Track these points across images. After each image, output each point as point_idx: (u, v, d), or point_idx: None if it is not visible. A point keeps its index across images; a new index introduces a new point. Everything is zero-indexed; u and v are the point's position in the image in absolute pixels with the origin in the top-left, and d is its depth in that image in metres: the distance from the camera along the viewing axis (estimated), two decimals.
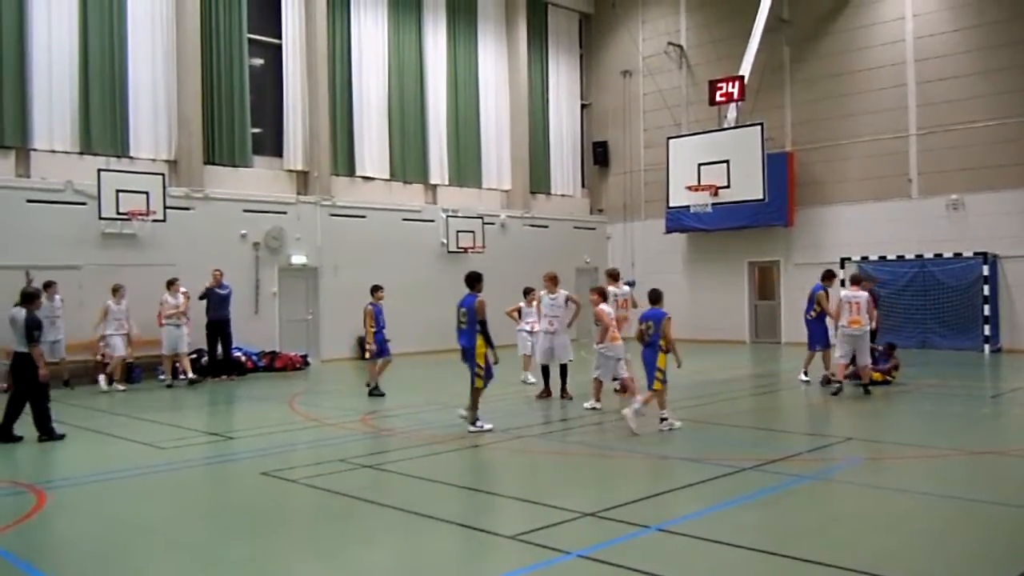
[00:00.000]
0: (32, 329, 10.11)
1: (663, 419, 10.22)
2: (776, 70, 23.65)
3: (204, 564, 5.82)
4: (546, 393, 13.13)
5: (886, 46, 21.95)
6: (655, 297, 10.72)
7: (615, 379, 12.40)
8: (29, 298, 10.45)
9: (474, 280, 10.90)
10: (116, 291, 15.63)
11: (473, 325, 10.42)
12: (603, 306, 11.89)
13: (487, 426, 10.43)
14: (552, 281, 13.27)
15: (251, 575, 5.65)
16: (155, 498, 7.69)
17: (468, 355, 10.52)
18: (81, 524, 7.14)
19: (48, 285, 14.97)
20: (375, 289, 14.21)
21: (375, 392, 13.78)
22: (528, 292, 15.03)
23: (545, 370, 13.19)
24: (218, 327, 16.94)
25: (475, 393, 10.47)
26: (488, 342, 10.41)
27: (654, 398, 10.25)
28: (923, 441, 9.54)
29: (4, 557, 5.87)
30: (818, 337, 14.28)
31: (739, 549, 5.76)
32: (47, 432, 10.36)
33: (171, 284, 16.26)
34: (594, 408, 11.80)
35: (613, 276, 13.86)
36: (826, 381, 13.80)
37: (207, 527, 6.77)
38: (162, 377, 16.47)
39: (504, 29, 25.56)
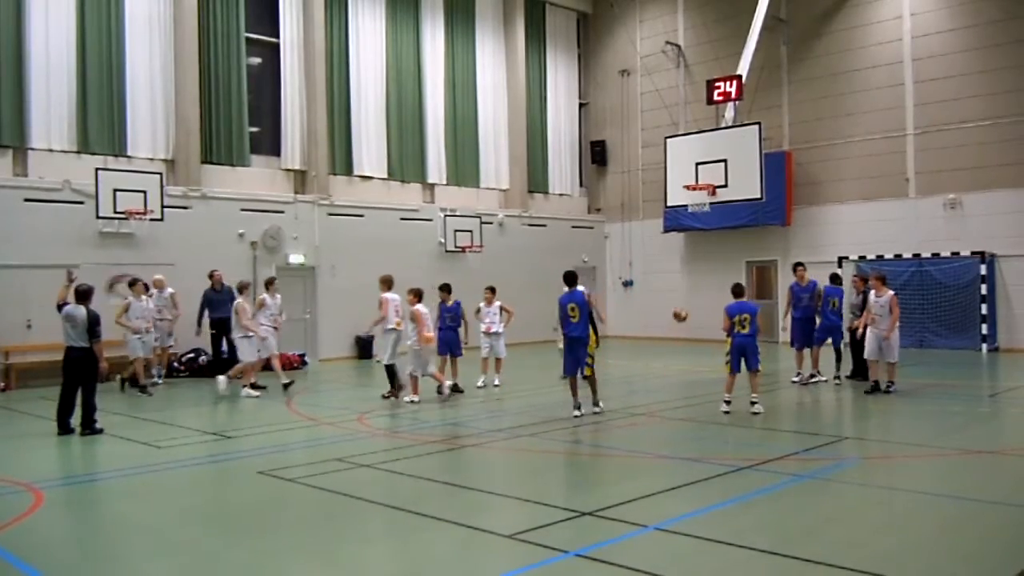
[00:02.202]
0: (94, 325, 10.55)
1: (753, 402, 11.36)
2: (774, 69, 23.67)
3: (201, 563, 5.82)
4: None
5: (883, 45, 21.98)
6: (740, 291, 11.70)
7: (424, 374, 13.20)
8: (85, 295, 10.81)
9: (575, 278, 11.70)
10: (270, 284, 14.99)
11: (586, 317, 11.34)
12: (418, 306, 12.91)
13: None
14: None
15: (248, 575, 5.64)
16: (152, 497, 7.68)
17: (580, 345, 11.29)
18: (78, 523, 7.15)
19: (132, 283, 15.25)
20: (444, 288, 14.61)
21: (456, 388, 13.92)
22: (268, 283, 15.19)
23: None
24: (222, 325, 16.95)
25: (592, 379, 11.53)
26: (596, 333, 11.67)
27: (760, 378, 11.68)
28: (921, 440, 9.55)
29: (1, 556, 5.86)
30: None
31: (737, 548, 5.77)
32: (90, 425, 10.64)
33: (270, 284, 15.38)
34: (412, 401, 12.78)
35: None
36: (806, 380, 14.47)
37: (204, 526, 6.77)
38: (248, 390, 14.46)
39: (502, 28, 25.56)
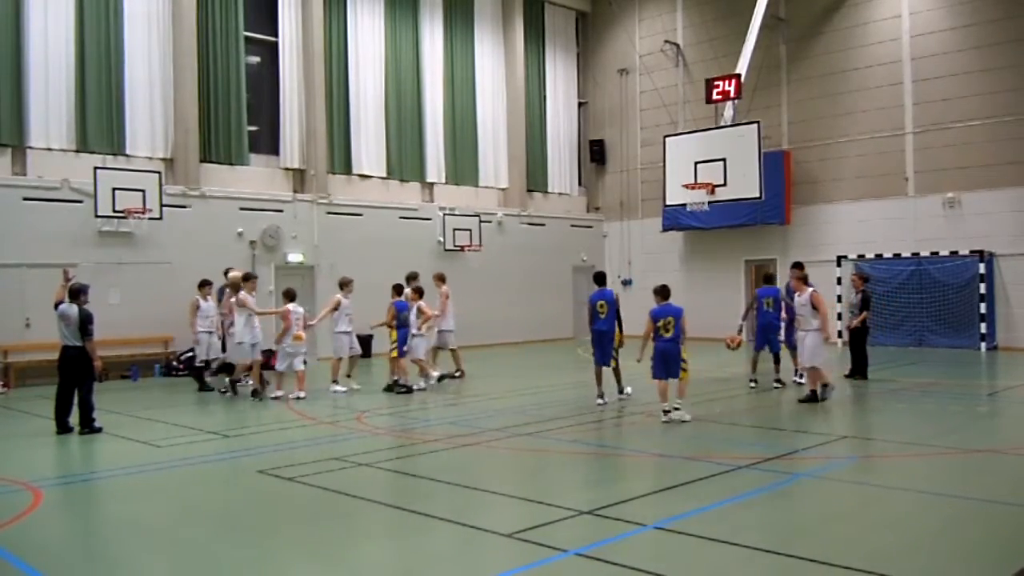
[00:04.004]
0: (86, 324, 10.55)
1: (676, 408, 10.84)
2: (773, 68, 23.68)
3: (200, 562, 5.81)
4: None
5: (882, 44, 21.99)
6: (667, 293, 11.22)
7: (292, 370, 13.73)
8: (76, 294, 10.77)
9: (604, 278, 13.25)
10: (345, 285, 14.63)
11: (613, 314, 12.43)
12: (290, 306, 13.65)
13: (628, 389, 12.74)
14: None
15: (248, 574, 5.64)
16: (151, 497, 7.68)
17: (607, 339, 12.40)
18: (77, 523, 7.15)
19: (248, 277, 14.49)
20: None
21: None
22: (413, 278, 15.24)
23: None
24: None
25: (616, 370, 12.65)
26: (621, 329, 12.71)
27: (685, 387, 11.13)
28: (920, 439, 9.55)
29: (0, 555, 5.86)
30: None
31: (736, 547, 5.77)
32: (88, 424, 10.62)
33: (346, 285, 14.68)
34: (298, 397, 13.42)
35: (439, 278, 16.04)
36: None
37: (203, 525, 6.76)
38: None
39: (501, 27, 25.56)
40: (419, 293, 14.61)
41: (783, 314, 14.30)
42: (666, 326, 10.85)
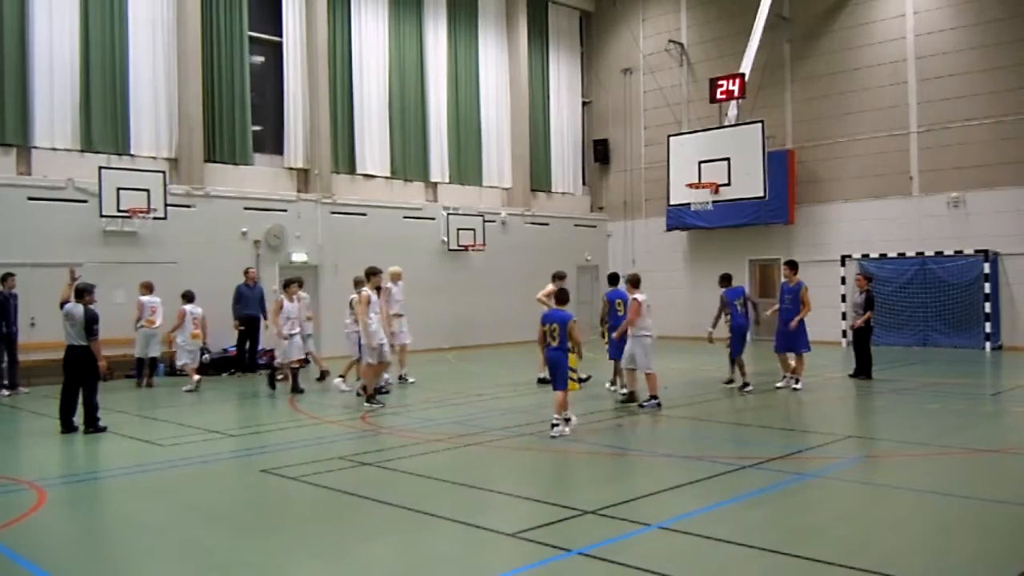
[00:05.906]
0: (91, 323, 10.53)
1: (563, 421, 9.96)
2: (777, 68, 23.65)
3: (203, 562, 5.82)
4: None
5: (887, 43, 21.95)
6: (563, 299, 10.55)
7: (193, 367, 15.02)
8: (82, 293, 10.80)
9: (619, 278, 13.62)
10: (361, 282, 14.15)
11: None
12: (187, 307, 14.79)
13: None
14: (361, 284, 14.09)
15: (251, 573, 5.65)
16: (155, 496, 7.69)
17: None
18: (81, 522, 7.15)
19: (288, 284, 14.57)
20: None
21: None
22: (560, 277, 14.24)
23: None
24: (251, 323, 17.13)
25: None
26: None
27: (565, 398, 10.01)
28: (924, 439, 9.53)
29: (4, 554, 5.87)
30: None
31: (740, 547, 5.76)
32: (93, 424, 10.63)
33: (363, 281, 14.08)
34: (190, 390, 14.61)
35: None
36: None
37: (207, 525, 6.77)
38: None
39: (505, 27, 25.56)
40: (378, 291, 14.52)
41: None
42: (552, 332, 9.99)
